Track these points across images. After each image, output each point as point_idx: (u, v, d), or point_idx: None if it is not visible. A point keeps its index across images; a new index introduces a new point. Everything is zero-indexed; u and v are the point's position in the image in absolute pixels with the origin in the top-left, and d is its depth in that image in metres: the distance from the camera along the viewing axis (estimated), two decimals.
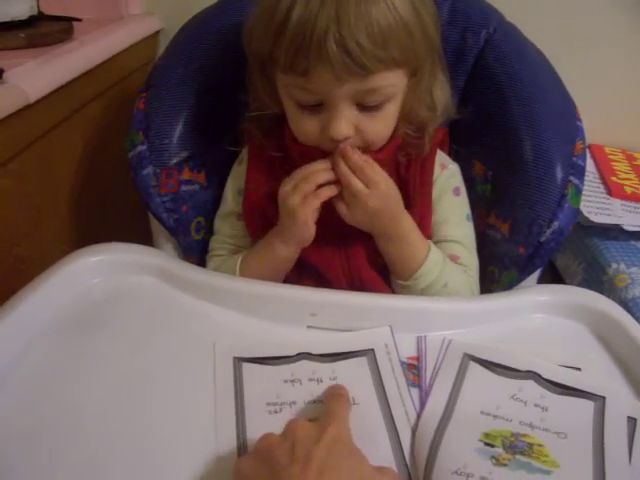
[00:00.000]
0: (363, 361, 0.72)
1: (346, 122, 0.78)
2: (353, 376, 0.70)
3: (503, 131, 0.94)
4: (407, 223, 0.86)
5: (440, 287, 0.87)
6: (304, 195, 0.80)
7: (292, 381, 0.68)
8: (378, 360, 0.72)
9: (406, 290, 0.87)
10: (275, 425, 0.60)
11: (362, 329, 0.77)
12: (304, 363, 0.71)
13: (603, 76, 1.40)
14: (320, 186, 0.81)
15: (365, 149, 0.82)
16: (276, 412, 0.64)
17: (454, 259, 0.91)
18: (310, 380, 0.68)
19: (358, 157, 0.80)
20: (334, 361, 0.72)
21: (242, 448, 0.60)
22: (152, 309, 0.79)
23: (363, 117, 0.79)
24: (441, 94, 0.88)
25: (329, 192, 0.81)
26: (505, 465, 0.59)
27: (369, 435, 0.62)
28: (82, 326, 0.75)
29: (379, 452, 0.61)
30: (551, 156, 0.89)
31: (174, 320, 0.77)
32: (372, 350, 0.73)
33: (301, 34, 0.71)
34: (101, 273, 0.82)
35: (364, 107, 0.78)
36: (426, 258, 0.86)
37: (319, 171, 0.81)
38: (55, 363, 0.70)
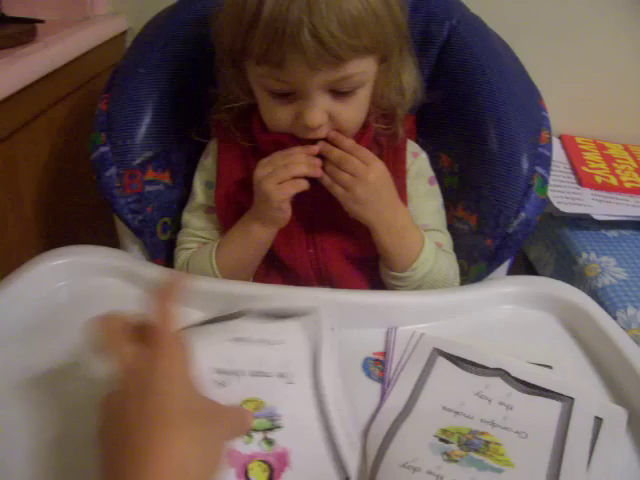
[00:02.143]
0: (310, 320, 0.72)
1: (320, 110, 0.79)
2: (296, 344, 0.69)
3: (468, 123, 0.94)
4: (403, 212, 0.87)
5: (434, 274, 0.87)
6: (280, 181, 0.81)
7: (240, 339, 0.67)
8: (322, 319, 0.72)
9: (402, 281, 0.87)
10: (222, 399, 0.58)
11: (330, 326, 0.76)
12: (246, 320, 0.70)
13: (575, 67, 1.40)
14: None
15: None
16: (223, 385, 0.63)
17: (438, 246, 0.91)
18: (260, 342, 0.68)
19: (350, 142, 0.82)
20: (279, 320, 0.71)
21: None
22: (117, 311, 0.78)
23: (336, 103, 0.80)
24: (410, 78, 0.89)
25: (306, 185, 0.82)
26: (456, 461, 0.58)
27: (302, 423, 0.62)
28: (47, 329, 0.74)
29: (313, 444, 0.60)
30: (516, 146, 0.89)
31: None
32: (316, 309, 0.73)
33: (274, 26, 0.71)
34: (65, 276, 0.81)
35: (337, 93, 0.79)
36: (422, 247, 0.86)
37: (300, 163, 0.81)
38: (20, 367, 0.68)
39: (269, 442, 0.59)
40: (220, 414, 0.54)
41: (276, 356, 0.67)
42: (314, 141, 0.82)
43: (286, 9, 0.70)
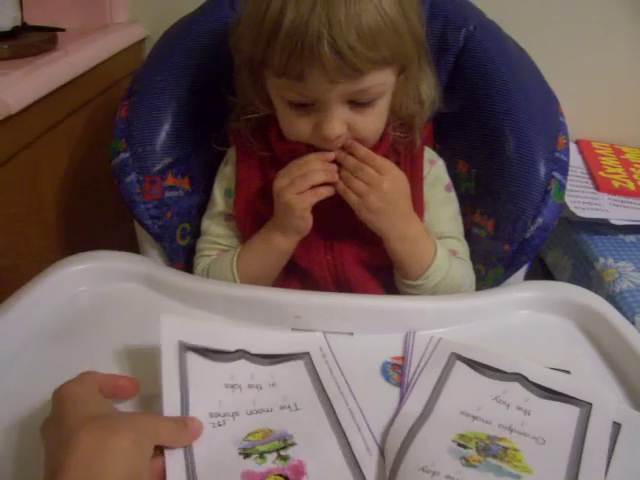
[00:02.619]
0: (300, 365, 0.72)
1: (338, 122, 0.79)
2: (292, 381, 0.69)
3: (486, 128, 0.95)
4: (416, 221, 0.88)
5: (447, 282, 0.87)
6: (300, 191, 0.81)
7: (232, 386, 0.67)
8: (315, 363, 0.72)
9: (415, 290, 0.88)
10: (220, 441, 0.60)
11: (349, 331, 0.78)
12: (242, 363, 0.70)
13: (591, 71, 1.40)
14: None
15: None
16: (220, 425, 0.62)
17: (453, 254, 0.91)
18: (250, 387, 0.67)
19: (365, 150, 0.82)
20: (272, 364, 0.71)
21: (191, 472, 0.57)
22: (138, 316, 0.79)
23: (355, 114, 0.80)
24: (428, 87, 0.90)
25: (327, 192, 0.83)
26: (474, 466, 0.58)
27: (316, 438, 0.62)
28: (68, 334, 0.75)
29: (329, 454, 0.60)
30: (534, 152, 0.90)
31: (159, 326, 0.77)
32: (308, 353, 0.73)
33: (294, 39, 0.72)
34: (86, 281, 0.82)
35: (355, 104, 0.80)
36: (435, 255, 0.86)
37: (317, 171, 0.82)
38: (42, 371, 0.69)
39: (283, 458, 0.59)
40: (131, 417, 0.59)
41: (270, 396, 0.67)
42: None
43: (306, 22, 0.71)
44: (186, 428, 0.59)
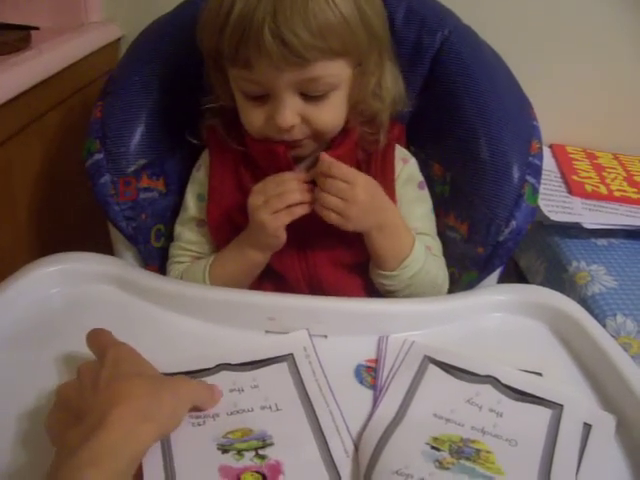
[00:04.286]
0: (283, 366, 0.72)
1: (290, 111, 0.80)
2: (274, 382, 0.69)
3: (460, 132, 0.95)
4: (394, 211, 0.88)
5: (423, 274, 0.88)
6: (274, 211, 0.81)
7: None
8: (298, 364, 0.72)
9: (391, 280, 0.88)
10: (199, 437, 0.60)
11: (323, 333, 0.77)
12: (224, 374, 0.70)
13: (565, 76, 1.41)
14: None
15: (316, 139, 0.85)
16: (199, 425, 0.62)
17: (427, 250, 0.92)
18: (231, 391, 0.67)
19: (326, 164, 0.81)
20: (254, 369, 0.71)
21: (168, 465, 0.58)
22: (111, 318, 0.77)
23: (308, 106, 0.81)
24: (391, 85, 0.90)
25: (301, 210, 0.83)
26: (447, 469, 0.58)
27: (295, 439, 0.62)
28: (41, 336, 0.75)
29: (306, 455, 0.61)
30: (507, 156, 0.90)
31: (133, 328, 0.76)
32: (291, 355, 0.73)
33: (241, 27, 0.74)
34: (59, 283, 0.81)
35: (308, 97, 0.80)
36: (413, 246, 0.87)
37: (293, 191, 0.82)
38: (13, 373, 0.69)
39: (261, 457, 0.59)
40: (175, 382, 0.62)
41: (251, 397, 0.67)
42: (293, 143, 0.84)
43: (252, 11, 0.73)
44: (213, 394, 0.65)
